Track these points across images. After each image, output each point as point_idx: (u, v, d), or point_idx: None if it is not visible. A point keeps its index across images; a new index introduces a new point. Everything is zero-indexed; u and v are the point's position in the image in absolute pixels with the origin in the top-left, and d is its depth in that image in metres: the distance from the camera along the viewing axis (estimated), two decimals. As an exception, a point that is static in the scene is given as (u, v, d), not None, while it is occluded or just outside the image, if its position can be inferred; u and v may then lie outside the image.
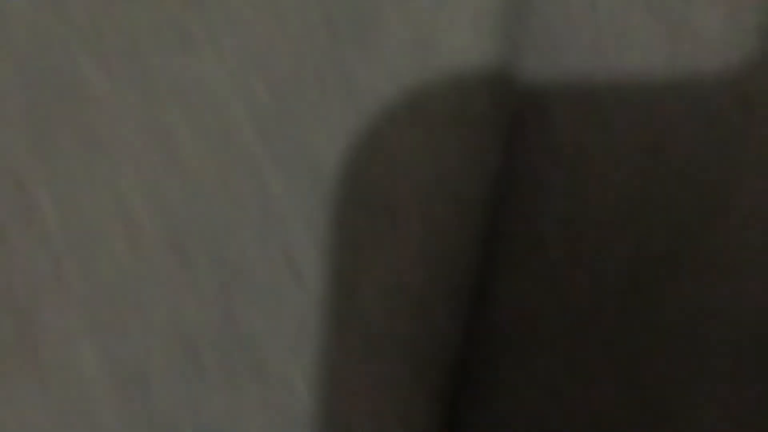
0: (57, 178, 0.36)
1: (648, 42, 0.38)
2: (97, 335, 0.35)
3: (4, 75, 0.36)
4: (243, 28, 0.37)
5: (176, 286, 0.36)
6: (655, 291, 0.37)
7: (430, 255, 0.36)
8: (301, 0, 0.38)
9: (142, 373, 0.35)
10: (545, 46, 0.38)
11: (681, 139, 0.36)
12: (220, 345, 0.36)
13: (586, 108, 0.37)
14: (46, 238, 0.36)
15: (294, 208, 0.37)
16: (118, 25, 0.37)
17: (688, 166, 0.36)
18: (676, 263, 0.37)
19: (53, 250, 0.36)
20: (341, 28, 0.38)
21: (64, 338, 0.35)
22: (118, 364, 0.35)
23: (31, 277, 0.35)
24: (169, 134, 0.37)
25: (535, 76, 0.38)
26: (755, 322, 0.35)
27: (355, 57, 0.37)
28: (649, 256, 0.37)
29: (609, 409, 0.37)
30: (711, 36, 0.37)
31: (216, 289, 0.36)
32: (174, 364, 0.35)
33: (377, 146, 0.37)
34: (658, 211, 0.37)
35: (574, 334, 0.37)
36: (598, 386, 0.37)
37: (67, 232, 0.36)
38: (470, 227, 0.37)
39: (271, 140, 0.37)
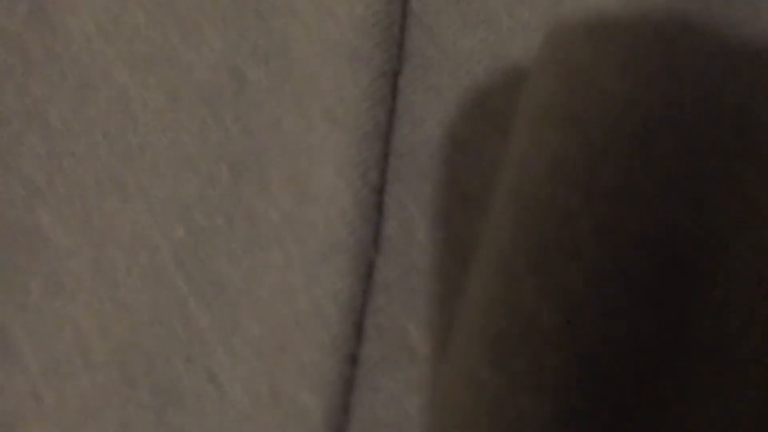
0: (29, 318, 0.45)
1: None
2: None
3: None
4: (165, 180, 0.45)
5: (123, 404, 0.44)
6: None
7: (307, 378, 0.42)
8: (209, 148, 0.45)
9: None
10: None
11: None
12: None
13: None
14: (24, 369, 0.44)
15: (213, 331, 0.43)
16: (68, 181, 0.46)
17: None
18: None
19: (31, 379, 0.44)
20: (241, 172, 0.44)
21: None
22: None
23: (11, 399, 0.44)
24: (111, 273, 0.45)
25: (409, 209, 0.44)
26: None
27: (253, 195, 0.44)
28: None
29: None
30: None
31: (154, 403, 0.43)
32: None
33: (272, 277, 0.43)
34: None
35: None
36: None
37: (40, 362, 0.44)
38: (340, 349, 0.42)
39: (192, 275, 0.44)
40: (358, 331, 0.43)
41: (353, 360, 0.43)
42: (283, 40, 0.45)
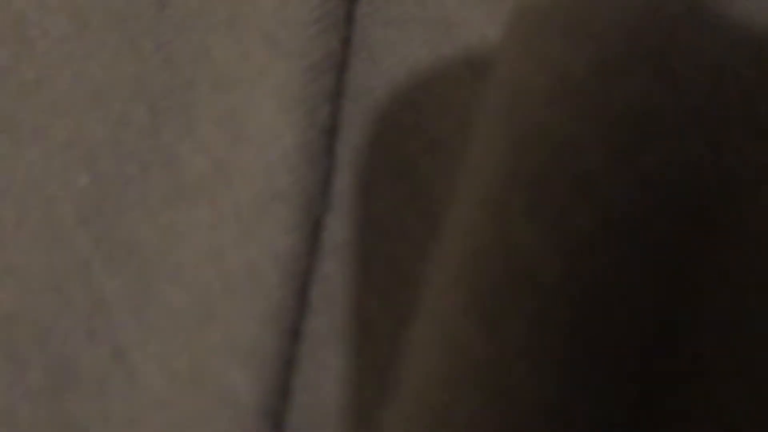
0: None
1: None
2: None
3: None
4: (66, 117, 0.37)
5: (8, 386, 0.36)
6: None
7: (241, 349, 0.35)
8: (123, 81, 0.38)
9: None
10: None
11: None
12: None
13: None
14: None
15: (122, 301, 0.36)
16: None
17: None
18: None
19: None
20: (162, 109, 0.37)
21: None
22: None
23: None
24: (0, 229, 0.37)
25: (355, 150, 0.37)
26: None
27: (174, 138, 0.37)
28: None
29: None
30: None
31: (47, 386, 0.36)
32: None
33: (196, 234, 0.36)
34: None
35: None
36: None
37: None
38: (279, 320, 0.35)
39: (97, 232, 0.37)
40: (301, 300, 0.35)
41: (295, 334, 0.35)
42: None
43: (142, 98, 0.37)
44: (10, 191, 0.38)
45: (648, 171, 0.29)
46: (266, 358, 0.35)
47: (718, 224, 0.30)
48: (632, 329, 0.28)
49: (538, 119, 0.29)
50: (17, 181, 0.38)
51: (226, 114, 0.37)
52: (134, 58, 0.38)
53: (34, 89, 0.38)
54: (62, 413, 0.36)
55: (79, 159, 0.37)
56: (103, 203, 0.37)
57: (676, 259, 0.29)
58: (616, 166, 0.28)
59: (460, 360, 0.28)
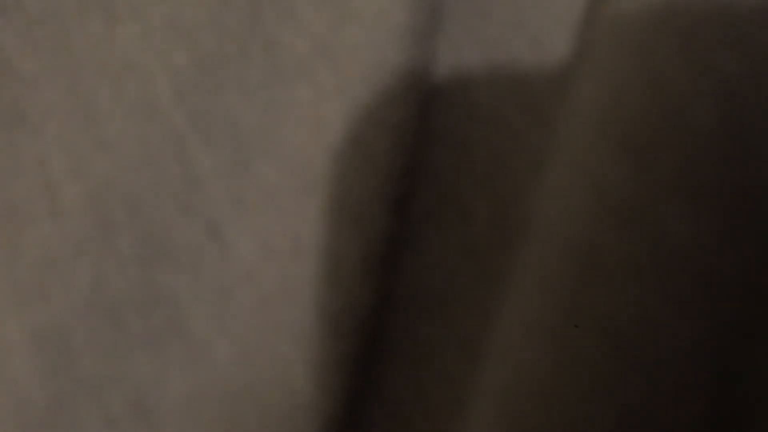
0: None
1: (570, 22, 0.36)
2: (21, 307, 0.35)
3: None
4: (166, 2, 0.37)
5: (98, 253, 0.36)
6: None
7: (345, 218, 0.35)
8: None
9: (65, 339, 0.35)
10: (456, 62, 0.36)
11: None
12: (142, 309, 0.35)
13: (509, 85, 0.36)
14: None
15: (218, 177, 0.36)
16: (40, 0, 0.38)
17: None
18: None
19: None
20: None
21: None
22: (40, 333, 0.35)
23: None
24: (92, 105, 0.37)
25: (456, 45, 0.37)
26: None
27: (275, 21, 0.37)
28: None
29: None
30: None
31: (138, 255, 0.36)
32: (96, 329, 0.35)
33: (297, 112, 0.36)
34: None
35: (492, 299, 0.34)
36: None
37: None
38: (384, 189, 0.35)
39: (194, 110, 0.37)
40: (406, 172, 0.35)
41: (401, 204, 0.35)
42: None
43: None
44: (105, 69, 0.37)
45: None
46: (372, 226, 0.35)
47: None
48: None
49: None
50: (113, 58, 0.37)
51: None
52: None
53: None
54: (152, 283, 0.35)
55: (177, 38, 0.37)
56: (201, 82, 0.37)
57: None
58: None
59: (607, 200, 0.28)
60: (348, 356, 0.34)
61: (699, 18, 0.29)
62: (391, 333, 0.36)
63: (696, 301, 0.28)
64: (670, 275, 0.28)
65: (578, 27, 0.35)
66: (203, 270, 0.35)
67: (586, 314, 0.28)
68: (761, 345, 0.28)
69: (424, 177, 0.36)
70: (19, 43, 0.38)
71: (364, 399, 0.35)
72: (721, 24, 0.29)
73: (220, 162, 0.36)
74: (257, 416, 0.34)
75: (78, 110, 0.37)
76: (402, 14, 0.36)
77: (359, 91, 0.35)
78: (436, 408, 0.35)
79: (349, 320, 0.34)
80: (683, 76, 0.28)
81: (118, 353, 0.35)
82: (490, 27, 0.37)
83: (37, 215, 0.36)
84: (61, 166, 0.37)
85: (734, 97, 0.28)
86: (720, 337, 0.28)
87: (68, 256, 0.36)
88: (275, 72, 0.37)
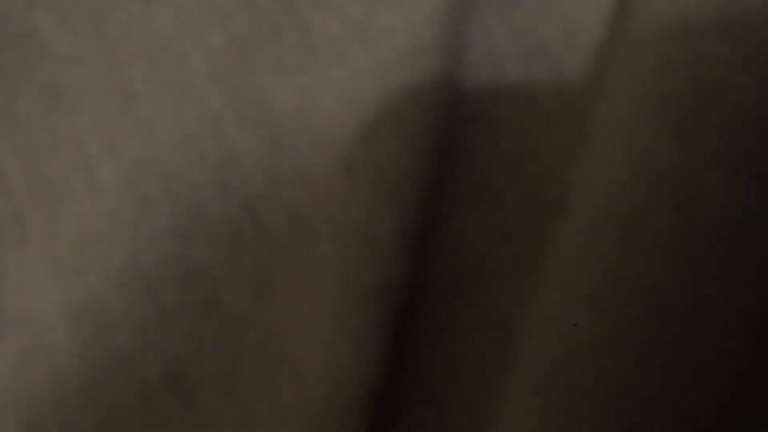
0: (18, 131, 0.37)
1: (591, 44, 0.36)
2: (58, 282, 0.36)
3: None
4: None
5: (134, 229, 0.36)
6: None
7: (380, 196, 0.36)
8: None
9: (102, 312, 0.35)
10: (488, 47, 0.37)
11: None
12: (177, 283, 0.36)
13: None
14: (8, 191, 0.37)
15: (253, 156, 0.36)
16: None
17: None
18: None
19: (15, 203, 0.36)
20: None
21: (26, 286, 0.36)
22: (78, 306, 0.35)
23: None
24: (128, 85, 0.37)
25: (488, 32, 0.38)
26: None
27: (308, 4, 0.37)
28: None
29: None
30: None
31: (173, 231, 0.36)
32: (133, 304, 0.36)
33: (332, 93, 0.37)
34: None
35: (523, 278, 0.35)
36: None
37: (28, 184, 0.37)
38: (418, 169, 0.36)
39: (229, 91, 0.37)
40: (441, 153, 0.36)
41: (435, 191, 0.36)
42: None
43: None
44: (140, 50, 0.38)
45: None
46: (407, 205, 0.35)
47: None
48: None
49: None
50: (149, 40, 0.38)
51: None
52: None
53: None
54: (187, 259, 0.36)
55: (212, 20, 0.38)
56: (236, 63, 0.37)
57: None
58: None
59: (652, 172, 0.29)
60: (385, 329, 0.35)
61: (740, 2, 0.30)
62: (424, 311, 0.36)
63: (736, 271, 0.28)
64: (712, 245, 0.29)
65: (610, 12, 0.36)
66: (239, 248, 0.36)
67: (630, 281, 0.29)
68: None
69: (457, 159, 0.37)
70: (56, 25, 0.38)
71: (400, 377, 0.36)
72: (762, 8, 0.29)
73: (255, 141, 0.37)
74: (295, 389, 0.35)
75: (114, 90, 0.38)
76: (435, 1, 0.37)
77: (395, 73, 0.36)
78: (468, 389, 0.35)
79: (384, 296, 0.35)
80: (725, 54, 0.29)
81: (154, 326, 0.35)
82: (520, 14, 0.38)
83: (73, 192, 0.37)
84: (97, 144, 0.37)
85: None
86: (759, 308, 0.28)
87: (104, 232, 0.36)
88: (309, 53, 0.37)
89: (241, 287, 0.36)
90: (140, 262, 0.36)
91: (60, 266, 0.36)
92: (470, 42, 0.38)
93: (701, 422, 0.28)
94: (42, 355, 0.35)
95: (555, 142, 0.36)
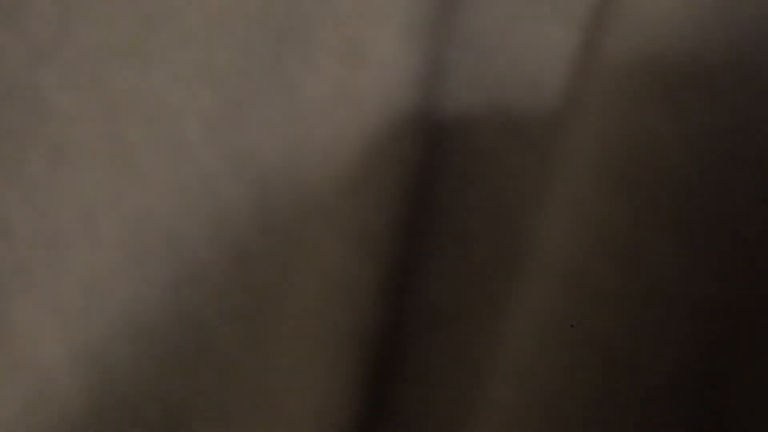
0: (23, 185, 0.40)
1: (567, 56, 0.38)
2: (63, 328, 0.38)
3: None
4: (194, 45, 0.41)
5: (133, 279, 0.39)
6: None
7: (361, 243, 0.38)
8: (246, 15, 0.41)
9: (106, 358, 0.38)
10: (458, 105, 0.40)
11: None
12: (175, 330, 0.38)
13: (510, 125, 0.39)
14: (14, 242, 0.39)
15: (244, 209, 0.39)
16: (78, 42, 0.40)
17: None
18: None
19: (21, 252, 0.39)
20: (282, 40, 0.40)
21: (33, 331, 0.38)
22: (83, 353, 0.38)
23: (1, 277, 0.39)
24: (126, 142, 0.40)
25: (459, 89, 0.40)
26: None
27: (295, 66, 0.40)
28: None
29: None
30: None
31: (170, 283, 0.39)
32: (135, 348, 0.38)
33: (317, 149, 0.39)
34: None
35: (497, 318, 0.37)
36: None
37: (34, 236, 0.39)
38: (398, 216, 0.39)
39: (220, 146, 0.40)
40: (416, 202, 0.39)
41: (411, 238, 0.39)
42: None
43: (265, 27, 0.41)
44: (138, 109, 0.41)
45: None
46: (385, 251, 0.38)
47: None
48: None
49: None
50: (146, 99, 0.41)
51: (345, 44, 0.40)
52: None
53: (163, 18, 0.41)
54: (184, 306, 0.39)
55: (206, 81, 0.41)
56: (228, 121, 0.40)
57: None
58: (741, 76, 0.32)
59: (603, 235, 0.32)
60: (366, 368, 0.38)
61: (682, 73, 0.32)
62: (401, 352, 0.39)
63: (686, 326, 0.31)
64: (653, 301, 0.31)
65: (572, 72, 0.38)
66: (230, 294, 0.39)
67: (580, 333, 0.31)
68: (744, 367, 0.32)
69: (431, 208, 0.39)
70: (57, 84, 0.41)
71: (377, 415, 0.38)
72: (700, 80, 0.32)
73: (245, 195, 0.39)
74: (284, 427, 0.38)
75: (114, 148, 0.40)
76: (410, 59, 0.39)
77: (375, 128, 0.39)
78: (445, 424, 0.38)
79: (366, 337, 0.38)
80: (666, 125, 0.32)
81: (155, 369, 0.38)
82: (488, 73, 0.40)
83: (77, 243, 0.40)
84: (98, 199, 0.40)
85: (710, 145, 0.32)
86: (708, 360, 0.31)
87: (106, 281, 0.39)
88: (296, 110, 0.40)
89: (233, 332, 0.38)
90: (140, 309, 0.39)
91: (65, 314, 0.39)
92: (441, 101, 0.40)
93: None
94: (50, 398, 0.38)
95: (522, 195, 0.39)
